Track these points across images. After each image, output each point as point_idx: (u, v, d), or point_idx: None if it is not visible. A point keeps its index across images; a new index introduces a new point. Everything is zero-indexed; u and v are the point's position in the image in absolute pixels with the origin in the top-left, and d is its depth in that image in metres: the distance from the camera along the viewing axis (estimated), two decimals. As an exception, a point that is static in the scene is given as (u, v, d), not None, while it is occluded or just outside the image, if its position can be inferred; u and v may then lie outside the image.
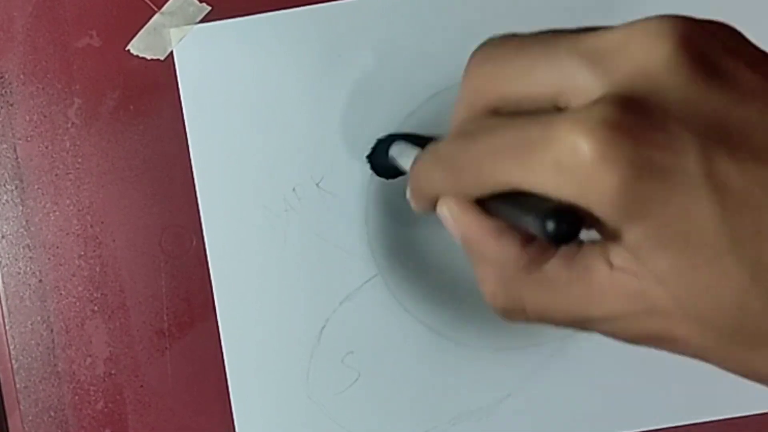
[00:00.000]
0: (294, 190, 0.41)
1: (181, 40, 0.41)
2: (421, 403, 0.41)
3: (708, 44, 0.22)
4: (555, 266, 0.24)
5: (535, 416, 0.41)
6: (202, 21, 0.41)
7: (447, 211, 0.26)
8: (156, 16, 0.41)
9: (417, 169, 0.28)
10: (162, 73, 0.41)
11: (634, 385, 0.41)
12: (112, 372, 0.41)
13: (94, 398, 0.41)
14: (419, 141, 0.37)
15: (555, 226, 0.21)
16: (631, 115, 0.21)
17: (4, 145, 0.41)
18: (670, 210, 0.20)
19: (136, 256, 0.41)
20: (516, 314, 0.25)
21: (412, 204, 0.29)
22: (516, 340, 0.41)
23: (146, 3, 0.41)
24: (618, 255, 0.22)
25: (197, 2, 0.41)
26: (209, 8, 0.41)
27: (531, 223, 0.22)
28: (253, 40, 0.41)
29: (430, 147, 0.27)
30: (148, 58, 0.41)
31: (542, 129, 0.22)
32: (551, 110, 0.23)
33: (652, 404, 0.41)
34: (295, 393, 0.41)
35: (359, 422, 0.41)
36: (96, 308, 0.41)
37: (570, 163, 0.21)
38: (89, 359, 0.41)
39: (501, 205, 0.24)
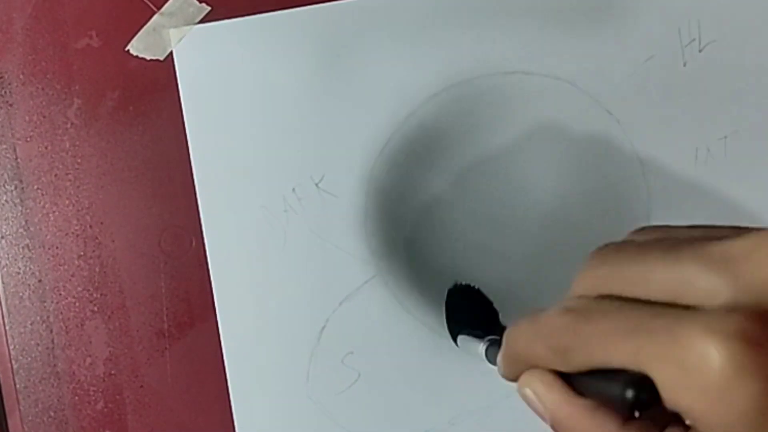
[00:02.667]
0: (294, 190, 0.41)
1: (180, 40, 0.41)
2: (421, 403, 0.41)
3: None
4: None
5: (535, 416, 0.41)
6: (202, 21, 0.41)
7: (531, 390, 0.26)
8: (155, 17, 0.41)
9: (515, 337, 0.27)
10: (162, 74, 0.41)
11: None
12: (112, 372, 0.41)
13: (93, 398, 0.41)
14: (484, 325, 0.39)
15: (634, 393, 0.21)
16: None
17: (4, 146, 0.41)
18: None
19: (135, 257, 0.41)
20: None
21: (502, 370, 0.28)
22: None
23: (146, 3, 0.41)
24: None
25: (197, 2, 0.41)
26: (209, 8, 0.41)
27: (611, 391, 0.22)
28: (253, 40, 0.41)
29: (531, 317, 0.26)
30: (148, 58, 0.41)
31: (668, 322, 0.21)
32: (673, 305, 0.22)
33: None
34: (295, 393, 0.41)
35: (359, 422, 0.41)
36: (95, 308, 0.41)
37: (698, 369, 0.20)
38: (89, 359, 0.41)
39: (584, 379, 0.24)
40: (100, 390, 0.41)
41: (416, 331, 0.41)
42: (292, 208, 0.41)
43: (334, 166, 0.41)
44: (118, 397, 0.41)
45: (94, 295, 0.41)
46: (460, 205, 0.41)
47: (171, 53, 0.41)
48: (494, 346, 0.35)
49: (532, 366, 0.26)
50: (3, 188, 0.41)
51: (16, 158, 0.41)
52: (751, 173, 0.42)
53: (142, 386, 0.41)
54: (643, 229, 0.26)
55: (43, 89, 0.41)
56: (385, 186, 0.41)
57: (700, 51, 0.42)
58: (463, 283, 0.41)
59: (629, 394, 0.22)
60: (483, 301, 0.40)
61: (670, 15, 0.42)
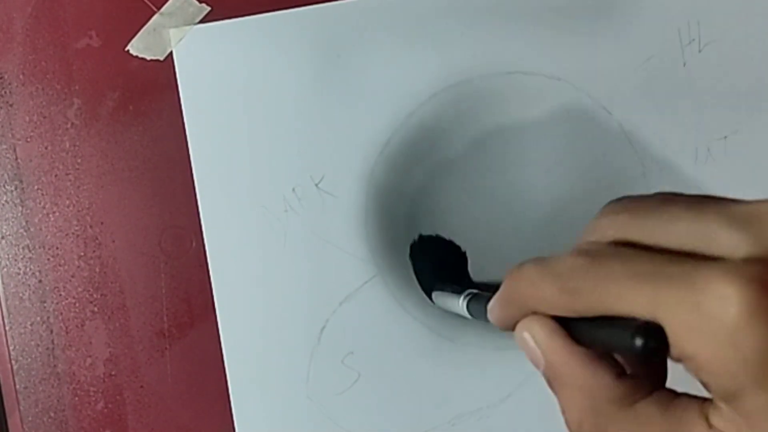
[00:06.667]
0: (294, 190, 0.41)
1: (180, 40, 0.41)
2: (421, 403, 0.41)
3: None
4: (648, 407, 0.23)
5: (535, 416, 0.41)
6: (202, 21, 0.41)
7: (529, 334, 0.25)
8: (155, 17, 0.41)
9: (518, 278, 0.26)
10: (161, 74, 0.41)
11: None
12: (112, 373, 0.41)
13: (93, 399, 0.41)
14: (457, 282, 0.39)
15: (644, 342, 0.21)
16: None
17: (4, 146, 0.41)
18: None
19: (136, 257, 0.41)
20: None
21: (496, 314, 0.28)
22: (516, 340, 0.41)
23: (146, 3, 0.41)
24: (720, 417, 0.22)
25: (197, 2, 0.41)
26: (209, 8, 0.41)
27: (616, 339, 0.22)
28: (253, 40, 0.41)
29: (538, 260, 0.26)
30: (148, 58, 0.41)
31: (687, 268, 0.21)
32: (692, 255, 0.22)
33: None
34: (295, 393, 0.41)
35: (359, 422, 0.41)
36: (96, 309, 0.41)
37: (713, 312, 0.20)
38: (89, 360, 0.41)
39: (585, 326, 0.24)
40: (100, 390, 0.41)
41: (416, 331, 0.41)
42: (292, 208, 0.41)
43: (334, 166, 0.41)
44: (118, 397, 0.41)
45: (94, 295, 0.41)
46: (460, 205, 0.41)
47: (171, 53, 0.41)
48: (476, 300, 0.35)
49: (531, 310, 0.26)
50: (3, 188, 0.41)
51: (16, 158, 0.41)
52: (751, 173, 0.42)
53: (142, 386, 0.41)
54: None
55: (43, 89, 0.41)
56: (385, 186, 0.41)
57: (699, 51, 0.42)
58: (426, 234, 0.40)
59: (638, 341, 0.21)
60: (450, 249, 0.40)
61: (669, 15, 0.42)
